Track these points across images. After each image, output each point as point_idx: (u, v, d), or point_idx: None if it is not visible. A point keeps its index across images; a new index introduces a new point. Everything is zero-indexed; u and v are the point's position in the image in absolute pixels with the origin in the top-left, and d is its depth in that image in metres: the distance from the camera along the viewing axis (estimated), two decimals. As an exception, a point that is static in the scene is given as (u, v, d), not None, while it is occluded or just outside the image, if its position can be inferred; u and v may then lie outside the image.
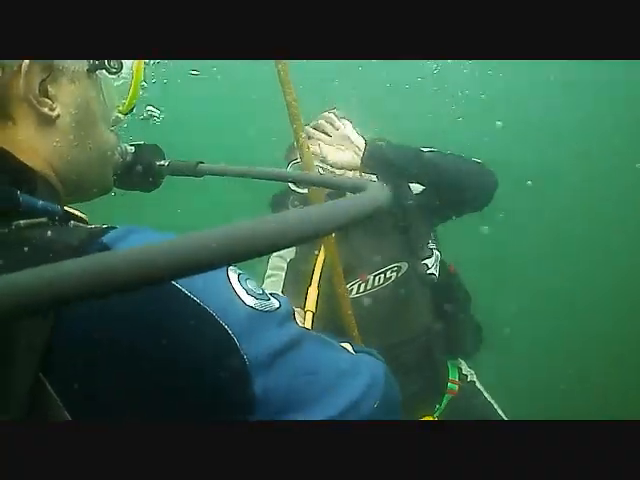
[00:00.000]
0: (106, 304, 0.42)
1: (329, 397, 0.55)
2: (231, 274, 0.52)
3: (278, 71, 1.12)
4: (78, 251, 0.46)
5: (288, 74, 1.14)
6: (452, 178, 1.52)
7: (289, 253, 1.69)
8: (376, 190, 0.46)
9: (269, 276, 1.70)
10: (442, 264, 1.70)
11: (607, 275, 5.07)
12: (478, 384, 1.84)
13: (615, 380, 4.09)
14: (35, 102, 0.60)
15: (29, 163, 0.60)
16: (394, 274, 1.63)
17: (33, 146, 0.61)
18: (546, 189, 5.14)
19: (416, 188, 1.68)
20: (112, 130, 0.74)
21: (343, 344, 0.67)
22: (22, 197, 0.53)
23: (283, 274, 1.68)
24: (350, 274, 1.56)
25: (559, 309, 5.02)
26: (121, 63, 0.71)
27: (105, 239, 0.49)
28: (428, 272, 1.62)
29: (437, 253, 1.66)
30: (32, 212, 0.53)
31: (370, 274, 1.61)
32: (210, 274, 0.50)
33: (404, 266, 1.64)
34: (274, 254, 1.71)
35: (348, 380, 0.58)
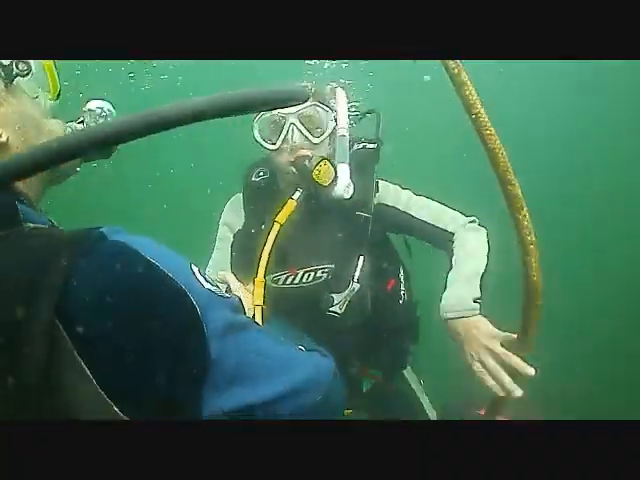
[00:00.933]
0: (107, 270, 0.54)
1: (276, 377, 0.63)
2: (193, 267, 0.63)
3: (452, 75, 0.81)
4: (84, 238, 0.57)
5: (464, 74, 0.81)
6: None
7: (238, 222, 1.63)
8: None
9: (217, 248, 1.64)
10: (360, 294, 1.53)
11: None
12: (408, 377, 1.78)
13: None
14: None
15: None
16: (324, 275, 1.53)
17: None
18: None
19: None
20: (54, 117, 0.78)
21: (299, 346, 0.72)
22: (23, 212, 0.60)
23: (229, 246, 1.61)
24: (282, 264, 1.49)
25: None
26: (28, 63, 0.70)
27: (102, 230, 0.59)
28: (329, 309, 1.50)
29: (355, 286, 1.51)
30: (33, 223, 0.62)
31: (300, 269, 1.53)
32: (178, 263, 0.61)
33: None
34: (221, 223, 1.66)
35: (294, 368, 0.66)
